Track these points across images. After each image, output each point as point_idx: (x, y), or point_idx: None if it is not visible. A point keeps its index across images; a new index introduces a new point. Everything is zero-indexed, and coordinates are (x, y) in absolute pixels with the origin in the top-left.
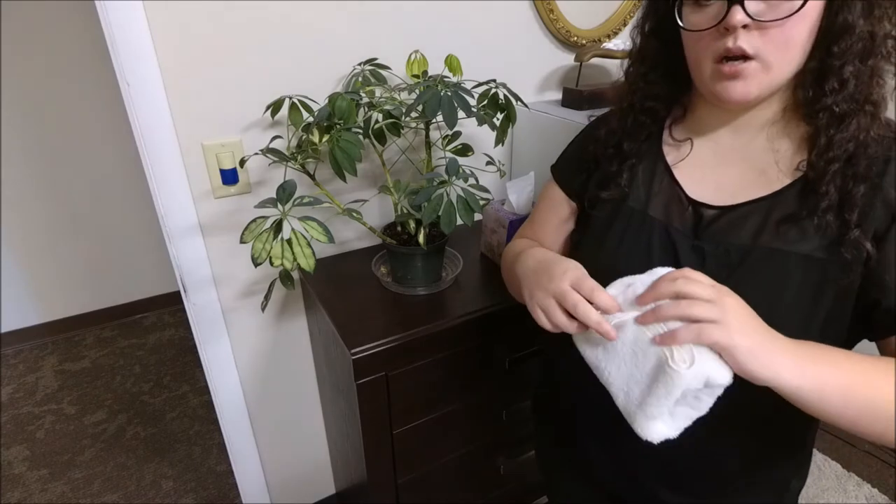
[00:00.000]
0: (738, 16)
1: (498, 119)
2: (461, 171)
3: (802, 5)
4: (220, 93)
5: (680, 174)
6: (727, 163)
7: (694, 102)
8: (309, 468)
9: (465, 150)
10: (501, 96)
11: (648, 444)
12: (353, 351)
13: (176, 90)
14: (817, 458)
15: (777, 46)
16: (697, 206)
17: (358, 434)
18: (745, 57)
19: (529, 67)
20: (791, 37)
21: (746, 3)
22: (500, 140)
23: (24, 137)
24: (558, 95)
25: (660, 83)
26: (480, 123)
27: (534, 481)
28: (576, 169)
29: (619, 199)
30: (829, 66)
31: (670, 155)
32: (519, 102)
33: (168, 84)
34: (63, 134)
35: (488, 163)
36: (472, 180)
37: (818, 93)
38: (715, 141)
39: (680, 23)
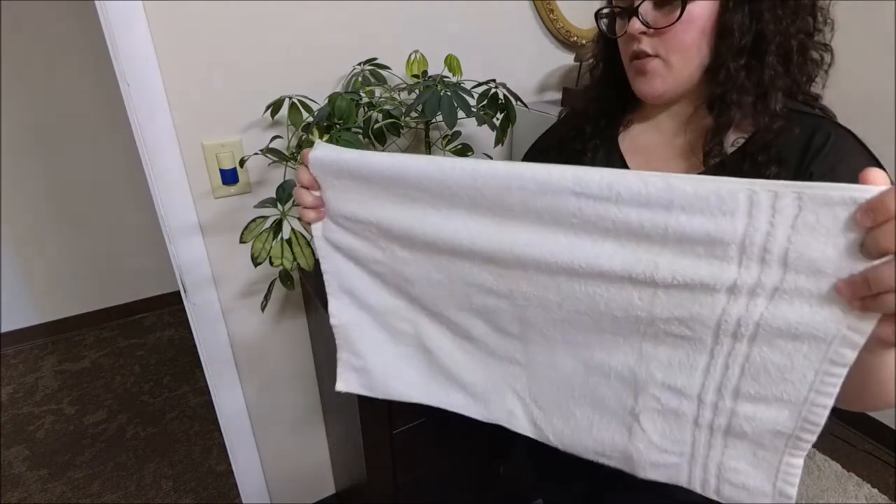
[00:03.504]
0: (635, 24)
1: (498, 119)
2: None
3: (679, 16)
4: (220, 93)
5: (629, 158)
6: (665, 147)
7: None
8: (309, 468)
9: (465, 149)
10: (501, 96)
11: None
12: None
13: (176, 90)
14: (817, 457)
15: (672, 47)
16: None
17: (358, 434)
18: (649, 55)
19: (529, 67)
20: (682, 40)
21: (641, 15)
22: (499, 140)
23: (24, 137)
24: (558, 95)
25: (613, 80)
26: (480, 123)
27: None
28: (541, 152)
29: None
30: (717, 62)
31: (623, 142)
32: (519, 102)
33: (168, 84)
34: (63, 133)
35: None
36: None
37: (713, 86)
38: (657, 128)
39: (604, 31)
